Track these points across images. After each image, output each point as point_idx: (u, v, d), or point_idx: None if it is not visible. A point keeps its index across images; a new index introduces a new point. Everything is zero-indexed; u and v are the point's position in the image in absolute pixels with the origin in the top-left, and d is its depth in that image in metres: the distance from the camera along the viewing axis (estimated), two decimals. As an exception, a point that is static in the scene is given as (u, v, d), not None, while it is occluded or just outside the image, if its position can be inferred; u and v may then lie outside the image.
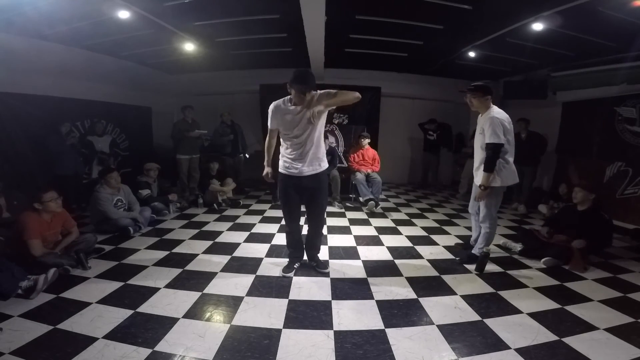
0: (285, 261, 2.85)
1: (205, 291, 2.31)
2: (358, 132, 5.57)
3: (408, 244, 3.43)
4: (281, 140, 2.45)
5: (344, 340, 1.79)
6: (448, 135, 6.52)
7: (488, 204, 2.75)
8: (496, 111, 2.65)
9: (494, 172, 2.61)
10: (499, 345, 1.77)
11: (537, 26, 3.50)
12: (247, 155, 6.14)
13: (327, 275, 2.61)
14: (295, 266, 2.69)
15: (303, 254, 2.77)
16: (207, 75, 6.73)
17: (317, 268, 2.69)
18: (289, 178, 2.42)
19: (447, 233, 3.83)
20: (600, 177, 4.65)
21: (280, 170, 2.46)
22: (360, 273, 2.67)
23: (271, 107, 2.35)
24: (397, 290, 2.40)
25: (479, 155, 2.76)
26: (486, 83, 2.94)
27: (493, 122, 2.56)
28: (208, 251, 3.09)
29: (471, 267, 2.81)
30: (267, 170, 2.56)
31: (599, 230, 2.99)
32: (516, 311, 2.13)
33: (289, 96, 2.30)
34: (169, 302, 2.15)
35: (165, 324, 1.90)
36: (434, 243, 3.46)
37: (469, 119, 6.33)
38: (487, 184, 2.62)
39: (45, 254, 2.48)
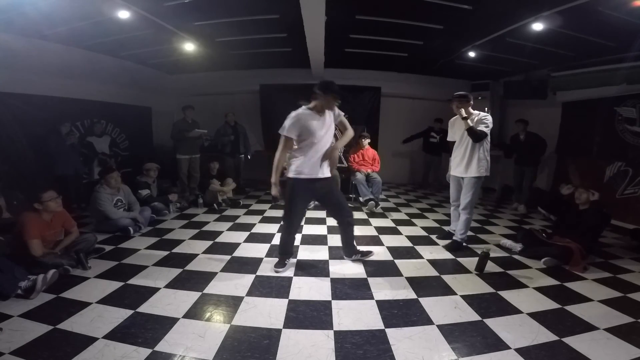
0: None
1: (205, 291, 2.31)
2: (358, 132, 5.55)
3: (408, 244, 3.43)
4: (295, 146, 2.51)
5: (344, 340, 1.79)
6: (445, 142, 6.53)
7: (473, 193, 3.14)
8: (481, 113, 3.13)
9: (483, 165, 3.09)
10: (499, 345, 1.77)
11: (537, 26, 3.50)
12: (248, 157, 6.16)
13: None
14: (286, 262, 2.73)
15: (293, 251, 2.87)
16: (207, 75, 6.73)
17: (362, 257, 2.89)
18: (306, 182, 2.50)
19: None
20: (600, 177, 4.65)
21: (294, 175, 2.50)
22: (360, 273, 2.67)
23: (293, 115, 2.44)
24: (397, 290, 2.40)
25: (463, 151, 3.16)
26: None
27: (482, 120, 3.05)
28: (208, 251, 3.09)
29: (471, 267, 2.82)
30: (277, 189, 2.57)
31: (596, 224, 3.00)
32: (516, 311, 2.13)
33: (305, 105, 2.51)
34: (169, 302, 2.15)
35: (165, 324, 1.89)
36: (434, 243, 3.46)
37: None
38: (467, 117, 3.05)
39: (45, 254, 2.48)
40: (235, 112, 6.04)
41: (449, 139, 3.42)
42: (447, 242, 3.38)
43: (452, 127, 3.36)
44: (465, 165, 3.15)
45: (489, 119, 3.08)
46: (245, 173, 6.23)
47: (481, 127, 3.03)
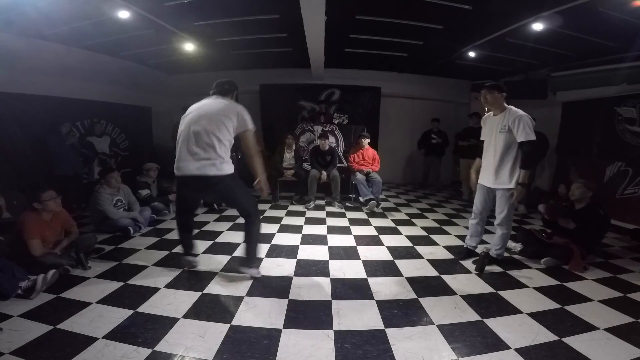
0: (284, 261, 2.88)
1: (205, 291, 2.31)
2: (358, 132, 5.57)
3: (408, 244, 3.43)
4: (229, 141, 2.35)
5: (344, 340, 1.79)
6: (447, 138, 6.53)
7: (511, 206, 2.67)
8: (520, 110, 2.59)
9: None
10: (499, 345, 1.77)
11: (537, 26, 3.51)
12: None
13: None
14: (191, 261, 2.66)
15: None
16: (207, 75, 6.71)
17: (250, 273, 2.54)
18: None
19: (447, 233, 3.83)
20: (600, 177, 4.65)
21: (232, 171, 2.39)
22: (360, 273, 2.67)
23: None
24: (397, 290, 2.39)
25: (492, 155, 2.69)
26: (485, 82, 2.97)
27: (523, 120, 2.51)
28: (208, 251, 3.09)
29: (471, 267, 2.82)
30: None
31: (594, 226, 2.99)
32: (516, 311, 2.13)
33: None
34: (169, 302, 2.15)
35: (165, 324, 1.89)
36: (434, 243, 3.46)
37: (468, 120, 6.32)
38: (525, 181, 2.53)
39: (45, 254, 2.48)
40: None
41: (481, 138, 2.91)
42: (473, 259, 2.92)
43: (485, 124, 2.86)
44: (494, 173, 2.67)
45: (525, 119, 2.50)
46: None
47: (524, 139, 2.46)
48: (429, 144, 6.57)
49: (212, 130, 2.23)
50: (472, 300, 2.26)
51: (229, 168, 2.32)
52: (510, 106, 2.64)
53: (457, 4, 3.33)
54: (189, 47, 4.69)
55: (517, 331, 1.90)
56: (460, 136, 5.99)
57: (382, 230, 3.87)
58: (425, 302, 2.23)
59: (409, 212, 4.79)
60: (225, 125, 2.26)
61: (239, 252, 3.05)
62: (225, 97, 2.42)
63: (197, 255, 2.75)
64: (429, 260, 2.97)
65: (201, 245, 3.22)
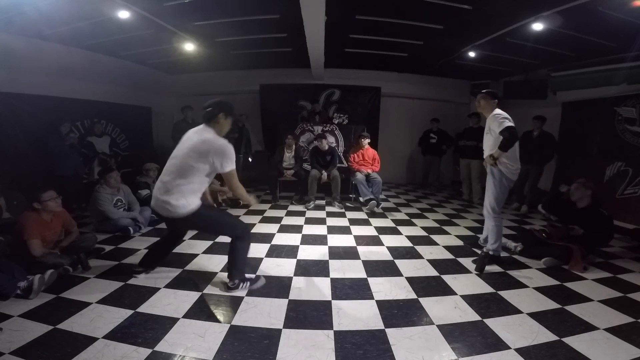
0: (284, 261, 2.87)
1: (205, 291, 2.31)
2: (358, 132, 5.57)
3: (408, 244, 3.43)
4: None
5: (344, 340, 1.79)
6: (447, 136, 6.53)
7: (495, 195, 2.87)
8: (498, 110, 2.89)
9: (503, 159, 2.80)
10: (499, 345, 1.77)
11: (537, 26, 3.50)
12: (249, 159, 6.21)
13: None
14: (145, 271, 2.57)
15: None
16: (207, 75, 6.74)
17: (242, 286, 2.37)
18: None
19: (447, 233, 3.83)
20: (600, 177, 4.65)
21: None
22: (360, 273, 2.67)
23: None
24: (397, 290, 2.39)
25: (484, 154, 2.98)
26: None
27: (497, 116, 2.80)
28: (208, 251, 3.09)
29: (471, 267, 2.82)
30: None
31: (599, 227, 2.99)
32: (516, 311, 2.13)
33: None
34: (169, 302, 2.15)
35: (165, 324, 1.89)
36: (434, 243, 3.46)
37: (468, 120, 6.34)
38: (497, 156, 2.78)
39: (45, 254, 2.48)
40: (243, 115, 6.12)
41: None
42: (472, 258, 2.97)
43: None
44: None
45: (498, 115, 2.78)
46: (245, 173, 6.24)
47: (502, 127, 2.70)
48: (427, 144, 6.59)
49: (177, 172, 2.07)
50: (472, 300, 2.26)
51: (190, 204, 2.09)
52: (495, 111, 2.87)
53: (457, 4, 3.33)
54: (189, 47, 4.69)
55: (517, 331, 1.90)
56: (460, 136, 5.99)
57: (382, 230, 3.87)
58: (425, 302, 2.23)
59: (409, 212, 4.79)
60: (195, 168, 2.05)
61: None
62: (208, 125, 2.15)
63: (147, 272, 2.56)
64: (429, 260, 2.97)
65: (201, 245, 3.22)
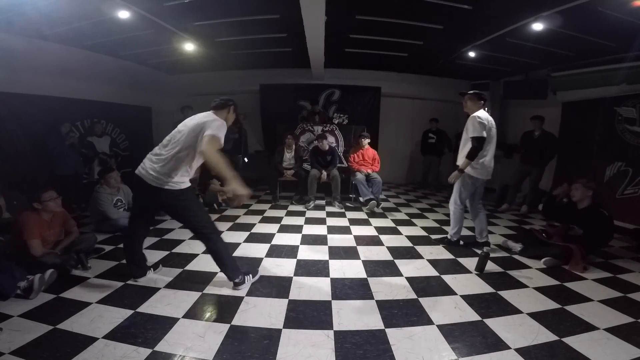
0: (284, 261, 2.87)
1: (205, 291, 2.31)
2: (358, 132, 5.57)
3: (408, 244, 3.43)
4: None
5: (344, 340, 1.79)
6: (446, 137, 6.54)
7: (458, 189, 3.13)
8: (478, 113, 3.00)
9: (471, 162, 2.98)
10: (499, 345, 1.77)
11: (537, 26, 3.50)
12: (245, 159, 6.20)
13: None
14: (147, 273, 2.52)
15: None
16: (207, 75, 6.73)
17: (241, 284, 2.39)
18: None
19: (447, 233, 3.82)
20: (600, 177, 4.65)
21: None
22: (360, 273, 2.67)
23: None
24: (397, 290, 2.39)
25: (462, 150, 3.12)
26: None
27: (473, 120, 2.96)
28: (208, 251, 3.08)
29: (471, 267, 2.82)
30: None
31: (599, 227, 2.99)
32: (516, 311, 2.13)
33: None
34: (169, 302, 2.15)
35: (165, 324, 1.89)
36: (434, 243, 3.46)
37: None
38: (463, 167, 3.01)
39: (45, 254, 2.48)
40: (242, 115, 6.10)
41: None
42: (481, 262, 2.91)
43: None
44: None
45: (474, 119, 2.93)
46: (246, 173, 6.24)
47: (472, 134, 2.91)
48: (426, 144, 6.59)
49: (178, 148, 2.13)
50: (472, 300, 2.26)
51: (183, 182, 2.20)
52: (477, 112, 3.00)
53: (457, 4, 3.33)
54: (189, 47, 4.69)
55: (517, 331, 1.90)
56: (460, 137, 5.98)
57: (382, 230, 3.87)
58: (425, 302, 2.23)
59: (409, 212, 4.79)
60: (191, 147, 2.13)
61: (238, 253, 3.05)
62: (215, 112, 2.29)
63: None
64: (429, 260, 2.97)
65: (201, 245, 3.19)
